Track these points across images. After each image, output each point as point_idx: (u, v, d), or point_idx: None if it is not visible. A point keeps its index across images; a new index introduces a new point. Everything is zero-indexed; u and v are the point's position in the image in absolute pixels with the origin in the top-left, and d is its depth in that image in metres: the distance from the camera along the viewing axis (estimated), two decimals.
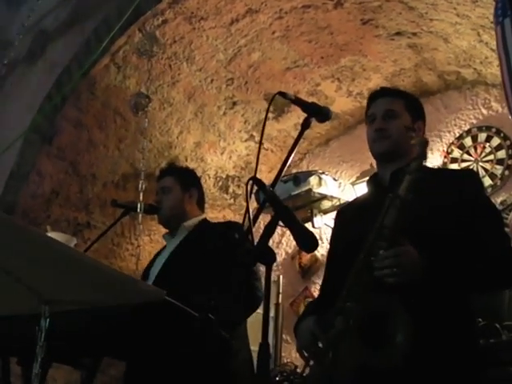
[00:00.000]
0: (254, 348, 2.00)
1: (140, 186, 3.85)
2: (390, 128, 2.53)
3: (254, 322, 3.20)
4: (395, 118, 2.55)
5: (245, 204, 2.20)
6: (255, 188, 2.20)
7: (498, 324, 3.56)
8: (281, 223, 2.20)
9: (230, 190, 5.84)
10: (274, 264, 6.47)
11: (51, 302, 1.78)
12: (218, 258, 3.02)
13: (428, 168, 2.66)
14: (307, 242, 2.13)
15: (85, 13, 5.11)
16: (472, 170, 4.03)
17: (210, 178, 5.71)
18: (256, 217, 2.17)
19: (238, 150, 5.63)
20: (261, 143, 2.39)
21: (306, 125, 2.35)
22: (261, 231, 2.10)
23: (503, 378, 3.06)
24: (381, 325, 2.06)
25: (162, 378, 2.85)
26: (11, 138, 5.04)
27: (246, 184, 2.13)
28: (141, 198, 3.69)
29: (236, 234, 3.25)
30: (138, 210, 3.44)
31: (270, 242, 6.56)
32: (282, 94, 2.33)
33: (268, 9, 4.54)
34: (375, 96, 2.64)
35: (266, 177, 5.48)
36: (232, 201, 5.88)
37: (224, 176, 5.77)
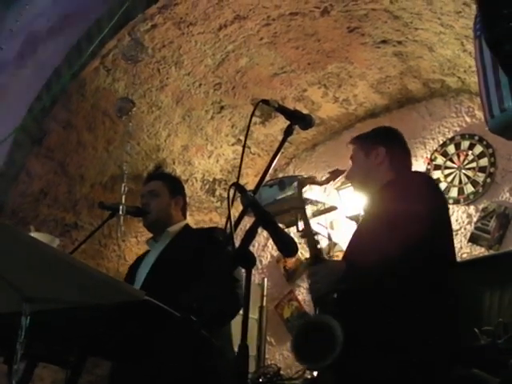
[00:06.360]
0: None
1: (122, 188, 3.89)
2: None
3: (237, 324, 3.27)
4: None
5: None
6: (237, 194, 2.26)
7: (477, 329, 3.64)
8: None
9: (217, 193, 5.88)
10: (260, 267, 6.49)
11: (32, 300, 1.80)
12: (203, 259, 3.09)
13: None
14: (287, 247, 2.19)
15: (76, 16, 5.15)
16: None
17: (197, 181, 5.76)
18: (238, 221, 2.23)
19: (225, 154, 5.67)
20: (244, 150, 2.45)
21: (288, 132, 2.43)
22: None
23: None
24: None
25: (147, 378, 2.90)
26: (0, 138, 5.07)
27: (228, 190, 2.20)
28: (123, 200, 3.72)
29: (220, 236, 3.32)
30: (120, 212, 3.48)
31: (256, 245, 6.60)
32: (265, 101, 2.39)
33: (256, 15, 4.60)
34: None
35: (253, 180, 5.55)
36: (218, 204, 5.92)
37: (211, 179, 5.81)
